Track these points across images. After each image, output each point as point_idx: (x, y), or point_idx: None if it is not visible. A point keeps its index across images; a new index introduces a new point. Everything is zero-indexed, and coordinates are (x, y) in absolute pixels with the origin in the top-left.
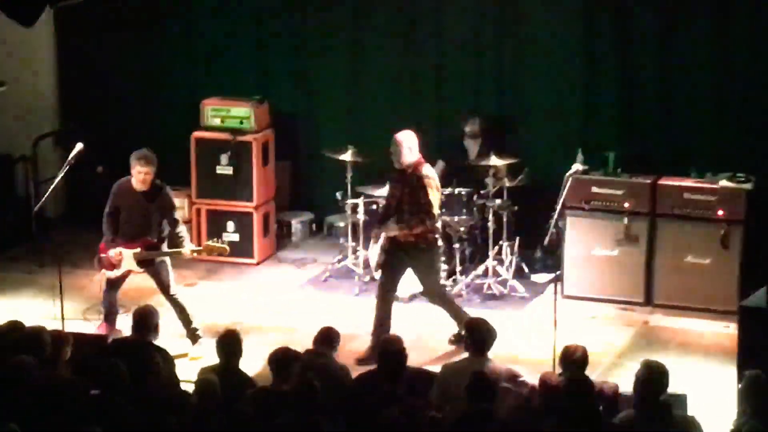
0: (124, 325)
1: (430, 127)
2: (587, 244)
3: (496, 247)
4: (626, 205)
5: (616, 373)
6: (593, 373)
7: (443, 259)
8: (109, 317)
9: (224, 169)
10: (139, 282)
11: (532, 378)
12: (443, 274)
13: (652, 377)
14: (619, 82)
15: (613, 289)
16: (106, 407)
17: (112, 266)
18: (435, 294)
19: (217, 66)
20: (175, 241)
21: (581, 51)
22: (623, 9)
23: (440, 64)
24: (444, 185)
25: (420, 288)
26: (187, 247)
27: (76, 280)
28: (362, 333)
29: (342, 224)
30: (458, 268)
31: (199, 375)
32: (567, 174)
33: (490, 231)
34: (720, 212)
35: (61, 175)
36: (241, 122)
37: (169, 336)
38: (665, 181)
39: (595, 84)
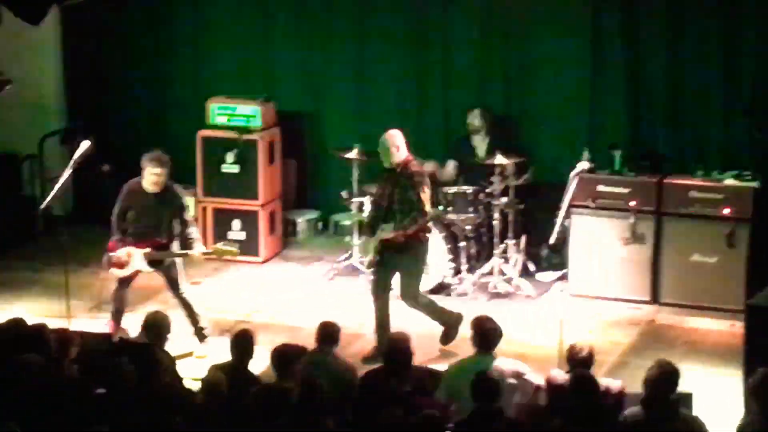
0: (130, 323)
1: (436, 125)
2: (593, 243)
3: (502, 246)
4: (632, 203)
5: (622, 371)
6: (599, 372)
7: (450, 257)
8: (117, 315)
9: (230, 167)
10: (147, 280)
11: (537, 375)
12: (450, 272)
13: (665, 377)
14: (626, 80)
15: (619, 287)
16: (111, 406)
17: (121, 266)
18: (411, 297)
19: (223, 64)
20: (186, 243)
21: (588, 49)
22: (631, 7)
23: (447, 63)
24: (455, 184)
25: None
26: (197, 250)
27: (83, 279)
28: (368, 332)
29: (348, 222)
30: (464, 267)
31: (208, 373)
32: (573, 172)
33: (496, 229)
34: (726, 211)
35: (67, 173)
36: (248, 121)
37: (174, 334)
38: (671, 180)
39: (601, 82)
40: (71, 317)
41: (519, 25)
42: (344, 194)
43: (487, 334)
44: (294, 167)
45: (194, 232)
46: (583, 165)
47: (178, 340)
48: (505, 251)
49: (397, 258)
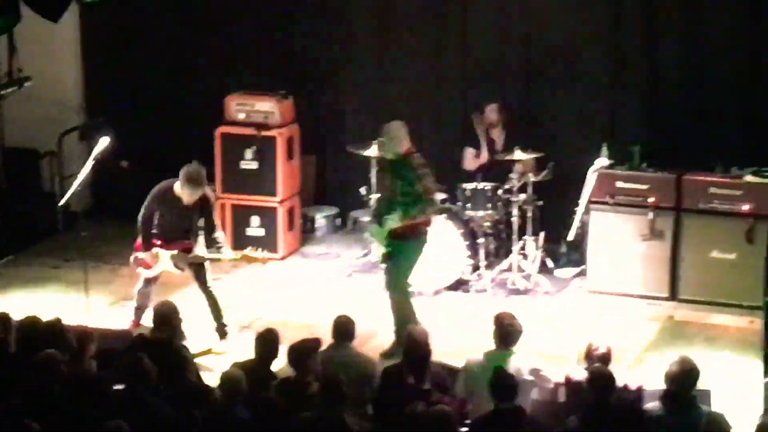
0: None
1: (455, 122)
2: (612, 239)
3: (521, 242)
4: (651, 199)
5: (641, 368)
6: (618, 368)
7: (469, 254)
8: (138, 312)
9: (249, 163)
10: (166, 277)
11: (553, 373)
12: (468, 268)
13: (686, 374)
14: (645, 76)
15: (637, 284)
16: (130, 402)
17: (148, 266)
18: (395, 289)
19: (241, 60)
20: (214, 247)
21: (608, 45)
22: (650, 2)
23: (466, 60)
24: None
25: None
26: (226, 255)
27: (102, 275)
28: (386, 328)
29: (366, 219)
30: (483, 263)
31: (228, 370)
32: (592, 168)
33: (515, 226)
34: (745, 207)
35: (86, 170)
36: (266, 117)
37: (193, 330)
38: (690, 176)
39: (620, 78)
40: (90, 313)
41: (538, 20)
42: (363, 191)
43: (507, 330)
44: (313, 163)
45: (221, 236)
46: (602, 161)
47: (197, 337)
48: (523, 248)
49: (395, 247)
